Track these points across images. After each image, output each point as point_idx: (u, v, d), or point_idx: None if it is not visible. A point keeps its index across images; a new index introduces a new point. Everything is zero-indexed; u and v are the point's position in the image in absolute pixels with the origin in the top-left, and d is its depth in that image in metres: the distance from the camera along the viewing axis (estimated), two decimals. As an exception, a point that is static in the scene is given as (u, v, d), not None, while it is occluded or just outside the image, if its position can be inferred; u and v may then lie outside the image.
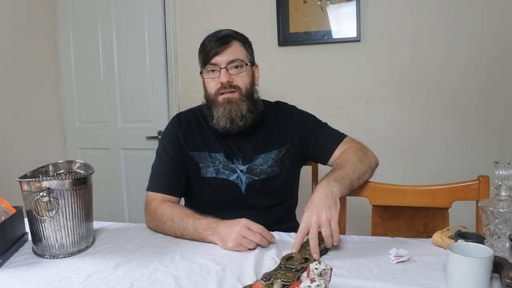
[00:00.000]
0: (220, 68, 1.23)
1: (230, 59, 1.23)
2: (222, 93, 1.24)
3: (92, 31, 2.46)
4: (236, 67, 1.24)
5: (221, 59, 1.23)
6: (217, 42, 1.23)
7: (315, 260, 0.89)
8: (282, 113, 1.36)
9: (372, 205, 1.29)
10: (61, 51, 2.54)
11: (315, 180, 1.50)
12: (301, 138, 1.31)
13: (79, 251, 1.03)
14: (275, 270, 0.87)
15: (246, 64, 1.26)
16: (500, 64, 1.92)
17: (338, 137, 1.31)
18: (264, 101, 1.36)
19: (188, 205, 1.35)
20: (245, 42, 1.30)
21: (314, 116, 1.38)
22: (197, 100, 1.36)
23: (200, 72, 1.30)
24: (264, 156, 1.29)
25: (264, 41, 2.05)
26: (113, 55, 2.43)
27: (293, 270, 0.86)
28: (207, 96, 1.29)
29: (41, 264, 0.97)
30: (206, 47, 1.25)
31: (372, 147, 1.29)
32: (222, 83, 1.23)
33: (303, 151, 1.33)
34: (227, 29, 1.29)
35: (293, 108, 1.40)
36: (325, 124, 1.36)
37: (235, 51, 1.24)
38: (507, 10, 1.89)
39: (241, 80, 1.25)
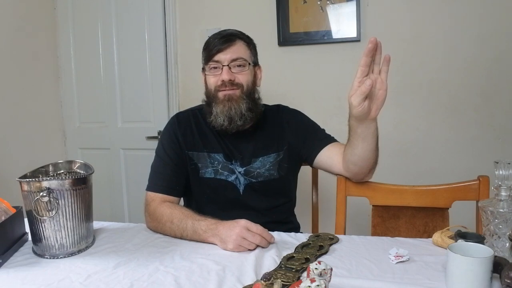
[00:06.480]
0: (223, 66, 1.23)
1: (233, 57, 1.23)
2: (222, 90, 1.24)
3: (92, 31, 2.46)
4: (239, 65, 1.24)
5: (224, 57, 1.23)
6: (221, 40, 1.24)
7: (315, 260, 0.89)
8: (282, 117, 1.35)
9: (372, 205, 1.29)
10: (61, 51, 2.54)
11: (314, 181, 1.50)
12: (297, 141, 1.31)
13: (79, 251, 1.03)
14: (275, 270, 0.87)
15: (249, 64, 1.26)
16: (500, 64, 1.92)
17: (327, 139, 1.30)
18: (265, 105, 1.36)
19: (187, 204, 1.36)
20: (249, 43, 1.30)
21: (313, 122, 1.37)
22: (197, 100, 1.36)
23: (202, 69, 1.30)
24: (262, 159, 1.29)
25: (264, 41, 2.05)
26: (113, 55, 2.43)
27: (293, 270, 0.86)
28: (207, 92, 1.29)
29: (41, 264, 0.97)
30: (210, 44, 1.25)
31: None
32: (223, 80, 1.23)
33: (299, 154, 1.33)
34: (232, 29, 1.30)
35: (293, 111, 1.40)
36: (322, 129, 1.35)
37: (238, 50, 1.24)
38: (507, 10, 1.89)
39: (243, 78, 1.25)
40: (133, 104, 2.43)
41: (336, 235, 1.09)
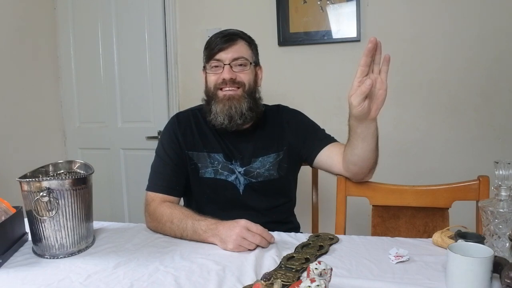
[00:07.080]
0: (224, 65, 1.23)
1: (235, 56, 1.23)
2: (222, 89, 1.24)
3: (92, 31, 2.46)
4: (240, 65, 1.25)
5: (225, 55, 1.23)
6: (223, 39, 1.24)
7: (315, 260, 0.89)
8: (282, 117, 1.36)
9: (372, 205, 1.29)
10: (61, 51, 2.54)
11: (314, 181, 1.50)
12: (297, 141, 1.31)
13: (79, 251, 1.03)
14: (275, 270, 0.87)
15: (250, 63, 1.27)
16: (500, 64, 1.92)
17: (327, 139, 1.30)
18: (265, 105, 1.36)
19: (187, 204, 1.36)
20: (251, 43, 1.31)
21: (313, 122, 1.37)
22: (197, 100, 1.36)
23: (203, 68, 1.30)
24: (262, 159, 1.29)
25: (264, 41, 2.04)
26: (113, 55, 2.43)
27: (293, 270, 0.86)
28: (207, 90, 1.29)
29: (41, 264, 0.97)
30: (212, 43, 1.25)
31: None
32: (224, 79, 1.23)
33: (299, 154, 1.33)
34: (234, 29, 1.30)
35: (293, 111, 1.40)
36: (322, 129, 1.35)
37: (240, 49, 1.25)
38: (507, 10, 1.89)
39: (245, 77, 1.25)
40: (133, 104, 2.43)
41: (336, 235, 1.09)
